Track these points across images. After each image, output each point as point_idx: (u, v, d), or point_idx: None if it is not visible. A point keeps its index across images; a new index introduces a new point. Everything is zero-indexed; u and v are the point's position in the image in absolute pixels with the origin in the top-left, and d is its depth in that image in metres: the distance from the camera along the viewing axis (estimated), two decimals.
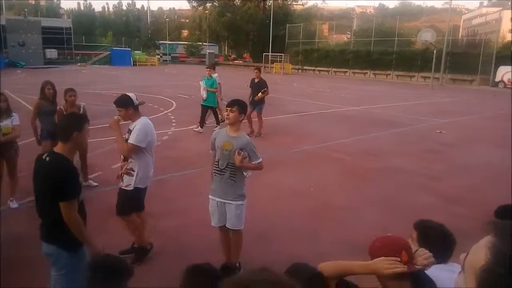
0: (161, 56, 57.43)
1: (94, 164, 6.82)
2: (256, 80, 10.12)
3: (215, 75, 10.80)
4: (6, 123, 5.07)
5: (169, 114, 13.25)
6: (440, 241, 2.21)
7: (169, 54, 58.26)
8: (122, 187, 3.95)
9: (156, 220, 5.09)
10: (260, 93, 9.73)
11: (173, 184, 6.62)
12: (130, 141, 3.81)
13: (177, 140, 9.36)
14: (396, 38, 38.74)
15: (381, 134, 11.12)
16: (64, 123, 2.78)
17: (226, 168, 3.60)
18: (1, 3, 47.65)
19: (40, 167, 2.67)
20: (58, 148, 2.67)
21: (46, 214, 2.69)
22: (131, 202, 3.99)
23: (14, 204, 5.33)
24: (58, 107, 5.85)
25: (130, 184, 3.91)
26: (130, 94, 4.04)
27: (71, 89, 5.93)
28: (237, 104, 3.60)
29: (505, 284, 0.75)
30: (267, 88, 9.93)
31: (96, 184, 6.33)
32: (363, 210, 5.61)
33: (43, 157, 2.66)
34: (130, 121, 3.96)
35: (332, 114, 14.74)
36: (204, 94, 10.25)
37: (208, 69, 10.72)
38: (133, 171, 3.88)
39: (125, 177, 3.90)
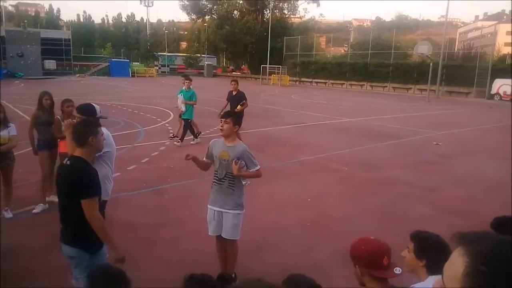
0: (159, 68, 57.72)
1: None
2: (234, 93, 9.67)
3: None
4: (3, 133, 5.06)
5: (167, 124, 13.26)
6: (436, 252, 2.21)
7: (168, 66, 58.57)
8: None
9: (153, 230, 5.07)
10: (239, 106, 9.31)
11: (171, 194, 6.60)
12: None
13: (174, 150, 9.36)
14: (392, 51, 39.10)
15: (378, 145, 11.15)
16: (79, 129, 2.89)
17: (225, 178, 3.61)
18: (1, 14, 47.94)
19: (61, 172, 2.88)
20: (77, 152, 2.84)
21: (69, 217, 2.80)
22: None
23: (8, 214, 5.29)
24: (55, 117, 5.84)
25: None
26: (95, 105, 4.07)
27: (68, 99, 5.91)
28: (231, 116, 3.66)
29: (492, 281, 0.75)
30: (245, 100, 9.56)
31: None
32: (360, 221, 5.60)
33: (64, 162, 2.88)
34: None
35: (329, 125, 14.79)
36: (182, 107, 9.86)
37: (186, 81, 10.21)
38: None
39: None
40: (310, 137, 12.15)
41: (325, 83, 42.86)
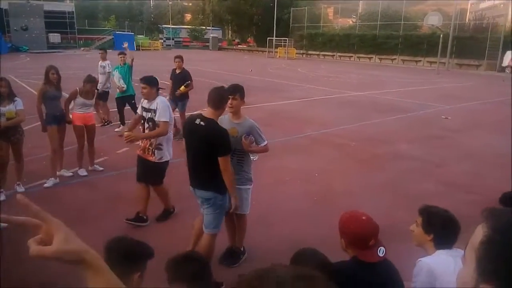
0: (164, 41, 56.99)
1: (99, 149, 6.85)
2: (177, 71, 8.35)
3: (105, 62, 9.52)
4: (10, 107, 5.08)
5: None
6: (444, 227, 2.22)
7: (173, 39, 57.79)
8: (155, 161, 4.46)
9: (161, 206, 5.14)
10: (182, 86, 7.97)
11: (178, 169, 6.64)
12: (163, 119, 4.33)
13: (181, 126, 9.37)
14: (402, 22, 38.13)
15: (386, 119, 11.07)
16: (217, 95, 3.27)
17: (233, 154, 3.60)
18: None
19: (196, 130, 3.25)
20: (209, 114, 3.25)
21: (205, 167, 3.29)
22: (163, 173, 4.62)
23: (20, 188, 5.39)
24: (75, 89, 6.02)
25: (162, 157, 4.46)
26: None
27: (92, 79, 6.18)
28: (239, 91, 3.57)
29: (504, 251, 0.78)
30: (191, 80, 8.19)
31: (101, 169, 6.38)
32: (366, 195, 5.63)
33: (197, 122, 3.22)
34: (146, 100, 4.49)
35: (336, 99, 14.65)
36: (122, 84, 8.46)
37: (121, 56, 8.83)
38: (162, 145, 4.42)
39: (156, 152, 4.43)
40: (317, 111, 12.07)
41: (332, 55, 42.18)
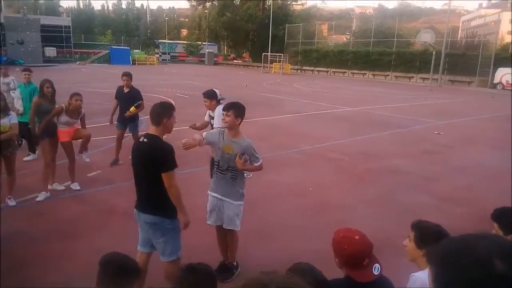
0: (160, 55, 57.37)
1: (93, 162, 6.82)
2: (126, 90, 7.26)
3: (9, 79, 8.34)
4: (4, 121, 5.05)
5: None
6: (436, 242, 2.22)
7: (168, 53, 58.20)
8: None
9: None
10: (133, 107, 6.94)
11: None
12: (217, 125, 4.95)
13: (177, 139, 9.33)
14: (395, 39, 38.78)
15: (379, 135, 11.15)
16: (157, 110, 3.17)
17: (227, 170, 3.63)
18: (0, 0, 47.47)
19: (139, 148, 3.16)
20: (151, 130, 3.14)
21: (149, 187, 3.14)
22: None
23: (12, 202, 5.33)
24: (58, 105, 5.84)
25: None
26: (216, 90, 5.50)
27: (77, 93, 5.91)
28: (232, 108, 3.58)
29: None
30: (142, 100, 7.19)
31: (88, 160, 6.33)
32: (360, 210, 5.64)
33: (140, 140, 3.15)
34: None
35: (330, 114, 14.76)
36: (19, 107, 7.35)
37: (25, 73, 7.84)
38: None
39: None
40: (311, 126, 12.14)
41: (326, 71, 42.64)
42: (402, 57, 36.83)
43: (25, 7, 47.26)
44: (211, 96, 5.31)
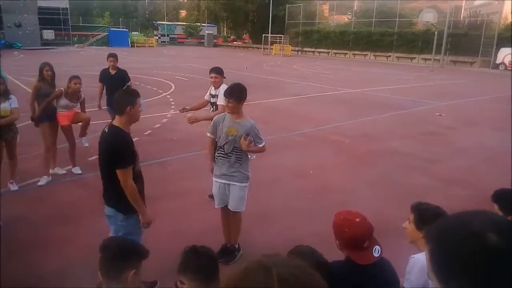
0: (159, 37, 56.70)
1: (92, 146, 6.82)
2: (112, 72, 7.12)
3: None
4: (4, 105, 5.05)
5: (168, 96, 13.19)
6: None
7: (167, 35, 57.50)
8: None
9: (157, 202, 5.13)
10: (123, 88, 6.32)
11: (174, 166, 6.65)
12: (221, 103, 4.83)
13: (177, 122, 9.34)
14: (397, 19, 38.23)
15: (380, 116, 11.11)
16: (119, 98, 2.96)
17: (232, 152, 3.65)
18: None
19: (101, 139, 3.00)
20: (116, 121, 2.94)
21: (106, 180, 2.97)
22: None
23: (14, 187, 5.36)
24: (58, 89, 5.81)
25: None
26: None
27: (76, 76, 5.89)
28: (233, 96, 3.62)
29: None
30: (130, 81, 7.20)
31: (87, 145, 6.30)
32: (361, 192, 5.67)
33: (104, 129, 2.99)
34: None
35: (331, 96, 14.69)
36: None
37: None
38: None
39: None
40: (313, 108, 12.09)
41: (327, 52, 42.20)
42: (404, 38, 36.36)
43: None
44: (220, 72, 5.25)
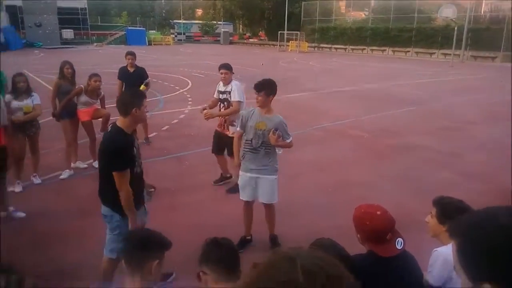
0: (175, 36, 57.11)
1: None
2: (131, 70, 7.21)
3: None
4: (27, 102, 5.18)
5: (185, 93, 13.30)
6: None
7: (184, 33, 57.85)
8: (229, 135, 5.05)
9: (175, 195, 5.19)
10: (142, 85, 6.89)
11: (191, 160, 6.71)
12: (236, 99, 5.04)
13: (194, 118, 9.39)
14: (416, 15, 37.57)
15: (399, 111, 10.95)
16: (124, 99, 2.91)
17: (261, 147, 3.70)
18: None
19: (102, 139, 3.01)
20: (119, 121, 2.87)
21: (103, 179, 2.90)
22: None
23: (37, 180, 5.50)
24: (78, 86, 5.94)
25: (235, 132, 4.77)
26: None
27: (96, 74, 6.05)
28: (263, 89, 3.67)
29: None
30: (148, 78, 7.31)
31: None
32: (381, 186, 5.61)
33: (108, 127, 2.98)
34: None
35: (349, 91, 14.54)
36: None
37: None
38: (235, 122, 4.90)
39: (231, 128, 5.13)
40: (331, 103, 12.01)
41: (344, 48, 41.77)
42: (423, 33, 35.67)
43: None
44: (229, 68, 5.28)
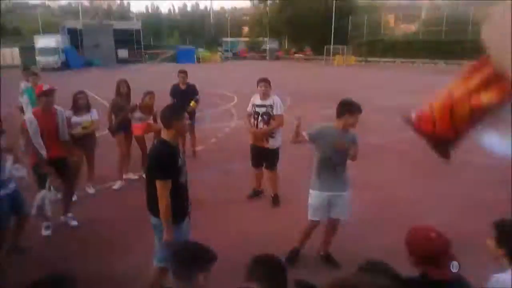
0: (223, 53, 58.60)
1: None
2: (182, 87, 7.43)
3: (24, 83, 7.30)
4: (86, 118, 5.51)
5: (231, 108, 13.55)
6: None
7: (231, 51, 59.26)
8: (270, 148, 5.24)
9: (221, 207, 5.27)
10: (193, 102, 7.16)
11: (237, 174, 6.78)
12: (279, 112, 5.15)
13: (239, 133, 9.52)
14: (470, 26, 35.98)
15: None
16: (166, 113, 3.04)
17: (340, 164, 3.73)
18: (78, 9, 51.86)
19: (150, 150, 3.31)
20: (163, 134, 3.06)
21: (150, 189, 3.01)
22: (277, 157, 5.38)
23: (91, 190, 5.83)
24: (132, 103, 6.27)
25: (274, 144, 5.24)
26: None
27: (151, 92, 6.37)
28: (349, 110, 3.63)
29: None
30: (198, 95, 7.50)
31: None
32: (435, 205, 5.36)
33: (154, 141, 3.21)
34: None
35: (398, 106, 14.07)
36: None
37: (33, 76, 6.98)
38: (274, 134, 5.18)
39: (270, 140, 5.23)
40: (379, 118, 11.71)
41: (393, 61, 40.74)
42: (478, 45, 33.83)
43: (98, 13, 51.06)
44: (269, 82, 5.30)
